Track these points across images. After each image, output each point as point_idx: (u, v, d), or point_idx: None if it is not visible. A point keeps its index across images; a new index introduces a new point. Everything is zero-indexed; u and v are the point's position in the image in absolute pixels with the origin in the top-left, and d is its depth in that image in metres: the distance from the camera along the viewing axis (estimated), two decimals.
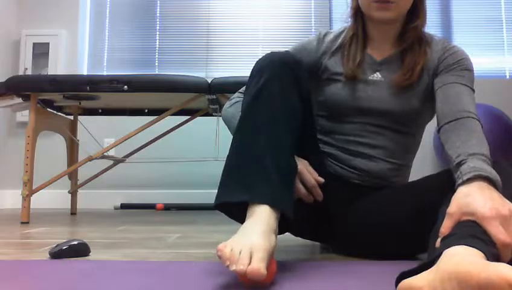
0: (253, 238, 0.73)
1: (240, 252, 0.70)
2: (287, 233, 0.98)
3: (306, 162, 0.98)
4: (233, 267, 0.68)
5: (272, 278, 0.75)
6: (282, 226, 0.85)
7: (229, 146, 0.88)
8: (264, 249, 0.72)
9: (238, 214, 0.86)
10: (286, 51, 1.00)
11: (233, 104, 1.10)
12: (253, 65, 0.95)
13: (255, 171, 0.82)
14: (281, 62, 0.91)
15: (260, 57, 0.94)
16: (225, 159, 0.88)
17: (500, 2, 3.33)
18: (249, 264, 0.68)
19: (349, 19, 1.13)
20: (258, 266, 0.68)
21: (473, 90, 1.01)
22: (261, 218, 0.78)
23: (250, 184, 0.81)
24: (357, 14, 1.11)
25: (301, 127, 0.92)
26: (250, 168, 0.82)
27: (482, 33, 3.28)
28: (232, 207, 0.86)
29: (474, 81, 1.04)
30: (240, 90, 1.13)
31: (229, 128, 1.10)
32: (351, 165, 1.08)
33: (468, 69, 1.03)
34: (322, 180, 0.97)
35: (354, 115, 1.08)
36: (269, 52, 0.95)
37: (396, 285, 0.62)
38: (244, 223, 0.79)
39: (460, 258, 0.57)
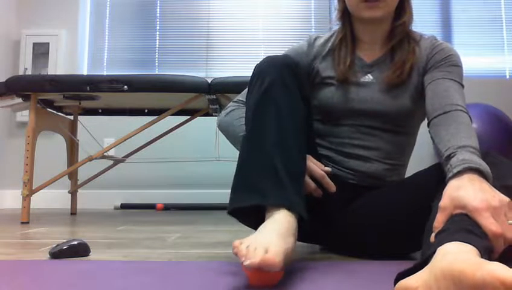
0: (270, 237, 0.73)
1: (256, 249, 0.69)
2: None
3: (309, 156, 0.99)
4: (246, 262, 0.68)
5: (278, 279, 0.74)
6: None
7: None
8: (280, 247, 0.71)
9: (252, 219, 0.87)
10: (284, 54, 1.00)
11: (229, 113, 1.10)
12: (254, 68, 0.95)
13: (267, 174, 0.82)
14: (282, 65, 0.91)
15: (260, 57, 0.95)
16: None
17: (500, 2, 3.33)
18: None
19: (338, 22, 1.14)
20: (273, 255, 0.68)
21: (462, 86, 1.01)
22: (280, 219, 0.78)
23: (262, 188, 0.81)
24: (345, 16, 1.12)
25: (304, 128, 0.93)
26: (261, 172, 0.83)
27: (482, 33, 3.28)
28: (246, 213, 0.87)
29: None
30: (235, 100, 1.13)
31: (226, 136, 1.11)
32: (346, 167, 1.08)
33: (457, 64, 1.03)
34: (329, 170, 0.98)
35: (347, 117, 1.08)
36: (268, 56, 0.95)
37: (395, 285, 0.62)
38: (263, 224, 0.79)
39: (454, 257, 0.57)
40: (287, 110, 0.87)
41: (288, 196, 0.81)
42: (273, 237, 0.73)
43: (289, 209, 0.80)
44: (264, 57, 0.96)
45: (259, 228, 0.78)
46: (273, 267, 0.67)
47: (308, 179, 0.95)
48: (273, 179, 0.82)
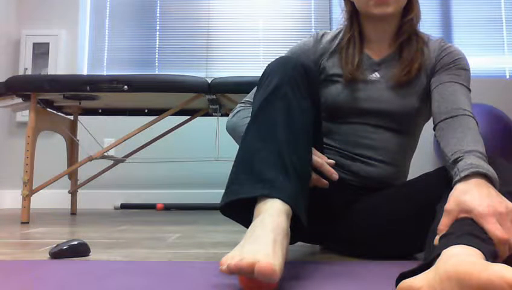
0: (262, 247, 0.65)
1: (242, 259, 0.63)
2: None
3: (312, 148, 0.95)
4: (237, 265, 0.62)
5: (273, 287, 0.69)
6: (293, 235, 0.79)
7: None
8: (275, 254, 0.65)
9: (245, 216, 0.81)
10: (286, 55, 0.98)
11: (236, 114, 1.08)
12: (265, 68, 0.93)
13: (274, 166, 0.77)
14: (294, 65, 0.89)
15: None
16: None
17: (500, 2, 3.33)
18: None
19: (346, 22, 1.13)
20: (267, 261, 0.61)
21: (469, 90, 1.01)
22: (273, 218, 0.71)
23: (267, 179, 0.75)
24: (353, 16, 1.11)
25: (312, 130, 0.90)
26: (267, 163, 0.77)
27: (482, 33, 3.29)
28: (240, 208, 0.82)
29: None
30: (242, 101, 1.11)
31: (233, 137, 1.07)
32: (350, 170, 1.08)
33: (465, 68, 1.03)
34: (332, 162, 0.94)
35: (353, 115, 1.08)
36: (280, 56, 0.94)
37: (396, 285, 0.62)
38: (252, 224, 0.73)
39: (459, 259, 0.57)
40: (296, 109, 0.84)
41: (295, 195, 0.76)
42: (266, 245, 0.66)
43: (294, 210, 0.75)
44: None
45: (248, 230, 0.72)
46: (270, 273, 0.60)
47: None
48: (283, 175, 0.76)
